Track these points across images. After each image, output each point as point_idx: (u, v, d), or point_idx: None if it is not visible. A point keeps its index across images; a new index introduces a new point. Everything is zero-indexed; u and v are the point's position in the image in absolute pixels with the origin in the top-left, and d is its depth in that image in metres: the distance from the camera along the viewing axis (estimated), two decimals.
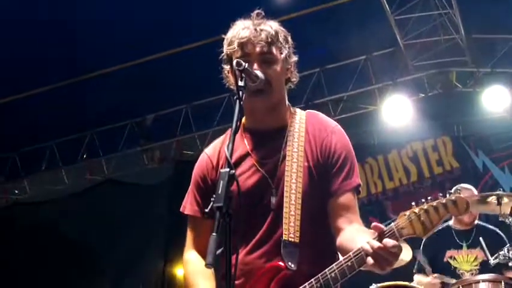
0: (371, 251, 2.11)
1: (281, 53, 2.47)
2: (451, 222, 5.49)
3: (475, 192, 5.57)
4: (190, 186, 2.63)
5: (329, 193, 2.44)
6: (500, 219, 4.99)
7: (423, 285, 5.17)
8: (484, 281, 4.62)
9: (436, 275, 5.18)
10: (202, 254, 2.45)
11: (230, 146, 2.09)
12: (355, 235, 2.30)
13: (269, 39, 2.42)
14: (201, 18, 8.54)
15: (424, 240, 5.29)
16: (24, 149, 10.72)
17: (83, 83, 9.46)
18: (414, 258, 5.45)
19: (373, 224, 2.18)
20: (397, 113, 8.86)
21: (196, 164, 2.64)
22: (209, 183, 2.53)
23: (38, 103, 9.49)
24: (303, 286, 2.30)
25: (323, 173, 2.45)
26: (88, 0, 8.56)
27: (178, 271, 10.10)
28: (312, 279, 2.28)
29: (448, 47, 8.44)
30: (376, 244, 2.11)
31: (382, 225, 2.16)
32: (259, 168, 2.45)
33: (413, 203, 2.17)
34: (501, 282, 4.55)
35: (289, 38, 2.54)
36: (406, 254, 5.26)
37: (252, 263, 2.40)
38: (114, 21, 8.39)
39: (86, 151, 10.53)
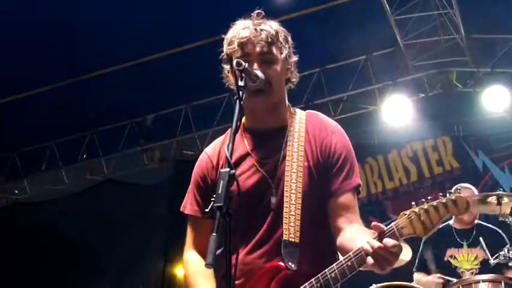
0: (371, 250, 2.11)
1: (281, 53, 2.47)
2: (451, 222, 5.49)
3: (475, 191, 5.57)
4: (190, 186, 2.63)
5: (329, 193, 2.44)
6: (500, 219, 4.99)
7: (423, 284, 5.17)
8: (484, 281, 4.62)
9: (437, 275, 5.19)
10: (202, 254, 2.45)
11: (230, 146, 2.09)
12: (355, 235, 2.30)
13: (269, 39, 2.42)
14: (201, 18, 8.53)
15: (423, 239, 5.29)
16: (24, 149, 10.72)
17: (83, 83, 9.46)
18: (414, 257, 5.45)
19: (373, 223, 2.17)
20: (397, 113, 8.86)
21: (196, 164, 2.64)
22: (209, 183, 2.53)
23: (38, 103, 9.49)
24: (303, 286, 2.30)
25: (323, 173, 2.45)
26: (88, 0, 8.56)
27: (178, 271, 10.10)
28: (312, 279, 2.28)
29: (448, 47, 8.43)
30: (376, 244, 2.10)
31: (382, 225, 2.16)
32: (259, 168, 2.45)
33: (413, 203, 2.17)
34: (501, 282, 4.55)
35: (289, 38, 2.53)
36: (406, 254, 5.25)
37: (252, 263, 2.40)
38: (114, 21, 8.39)
39: (86, 151, 10.52)
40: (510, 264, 4.73)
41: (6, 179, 10.91)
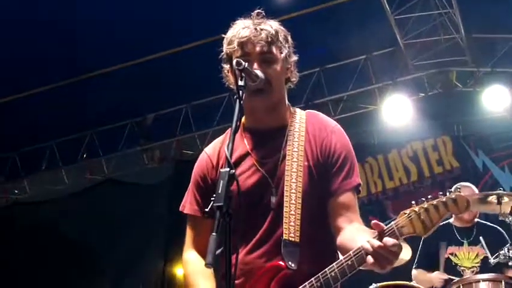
0: (371, 250, 2.11)
1: (281, 53, 2.47)
2: (451, 220, 5.49)
3: (476, 190, 5.58)
4: (190, 186, 2.62)
5: (329, 192, 2.44)
6: (500, 219, 5.00)
7: (421, 281, 5.18)
8: (484, 280, 4.62)
9: (439, 272, 5.19)
10: (202, 253, 2.44)
11: (230, 145, 2.09)
12: (355, 234, 2.29)
13: (269, 39, 2.42)
14: (201, 18, 8.53)
15: (423, 238, 5.29)
16: (24, 149, 10.71)
17: (83, 82, 9.46)
18: (414, 256, 5.46)
19: (373, 221, 2.17)
20: (397, 112, 8.86)
21: (196, 164, 2.63)
22: (209, 182, 2.53)
23: (38, 103, 9.49)
24: (303, 285, 2.30)
25: (323, 173, 2.45)
26: (88, 0, 8.56)
27: (178, 271, 10.09)
28: (312, 279, 2.28)
29: (448, 47, 8.43)
30: (377, 243, 2.10)
31: (382, 224, 2.16)
32: (259, 168, 2.45)
33: (413, 202, 2.17)
34: (501, 281, 4.55)
35: (289, 38, 2.53)
36: (406, 253, 5.26)
37: (252, 262, 2.40)
38: (114, 21, 8.39)
39: (86, 151, 10.52)
40: (510, 263, 4.73)
41: (6, 179, 10.90)
